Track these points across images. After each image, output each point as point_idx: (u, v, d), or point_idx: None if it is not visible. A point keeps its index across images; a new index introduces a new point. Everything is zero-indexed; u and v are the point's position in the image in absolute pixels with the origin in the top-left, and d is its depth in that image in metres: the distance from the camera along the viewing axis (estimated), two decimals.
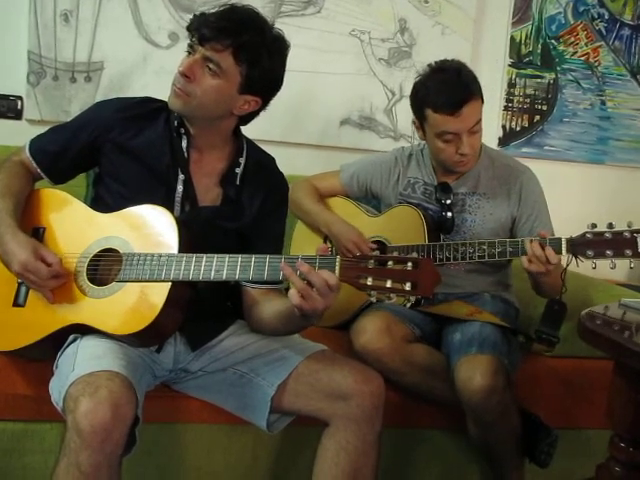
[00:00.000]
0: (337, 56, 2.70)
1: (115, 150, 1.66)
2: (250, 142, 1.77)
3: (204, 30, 1.54)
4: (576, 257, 1.83)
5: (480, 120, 2.00)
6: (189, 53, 1.59)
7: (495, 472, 2.00)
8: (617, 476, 1.50)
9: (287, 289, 1.44)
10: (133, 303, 1.53)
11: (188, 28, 1.59)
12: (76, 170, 1.78)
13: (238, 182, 1.70)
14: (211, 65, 1.55)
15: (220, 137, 1.70)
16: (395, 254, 1.44)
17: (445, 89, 1.96)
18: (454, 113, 1.94)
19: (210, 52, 1.54)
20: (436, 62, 2.04)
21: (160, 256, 1.52)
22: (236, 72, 1.56)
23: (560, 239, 1.83)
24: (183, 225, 1.57)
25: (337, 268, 1.40)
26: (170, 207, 1.61)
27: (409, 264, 1.37)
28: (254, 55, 1.56)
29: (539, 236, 1.85)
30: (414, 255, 1.41)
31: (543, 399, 2.09)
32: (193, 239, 1.57)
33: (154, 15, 2.53)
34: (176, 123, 1.67)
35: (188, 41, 1.59)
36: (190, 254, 1.51)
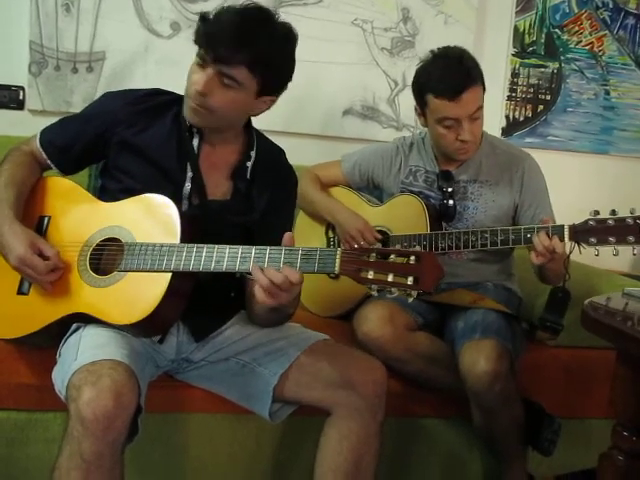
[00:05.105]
0: (339, 46, 2.68)
1: (122, 144, 1.65)
2: (260, 134, 1.76)
3: (216, 49, 1.51)
4: (579, 244, 1.83)
5: (481, 107, 2.00)
6: (200, 65, 1.55)
7: (498, 461, 2.00)
8: (620, 465, 1.50)
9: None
10: (134, 293, 1.53)
11: (196, 42, 1.56)
12: (86, 162, 1.78)
13: (249, 176, 1.69)
14: (226, 80, 1.53)
15: (233, 132, 1.69)
16: (398, 247, 1.39)
17: (446, 74, 1.96)
18: (454, 98, 1.94)
19: (224, 68, 1.52)
20: (439, 48, 2.04)
21: (162, 246, 1.52)
22: (252, 82, 1.55)
23: (563, 226, 1.84)
24: (191, 218, 1.56)
25: (337, 261, 1.38)
26: (178, 201, 1.60)
27: (412, 257, 1.33)
28: (268, 62, 1.54)
29: (542, 223, 1.85)
30: (417, 248, 1.38)
31: (546, 388, 2.09)
32: (200, 232, 1.56)
33: (156, 4, 2.51)
34: (188, 123, 1.64)
35: (198, 52, 1.55)
36: (191, 244, 1.50)
